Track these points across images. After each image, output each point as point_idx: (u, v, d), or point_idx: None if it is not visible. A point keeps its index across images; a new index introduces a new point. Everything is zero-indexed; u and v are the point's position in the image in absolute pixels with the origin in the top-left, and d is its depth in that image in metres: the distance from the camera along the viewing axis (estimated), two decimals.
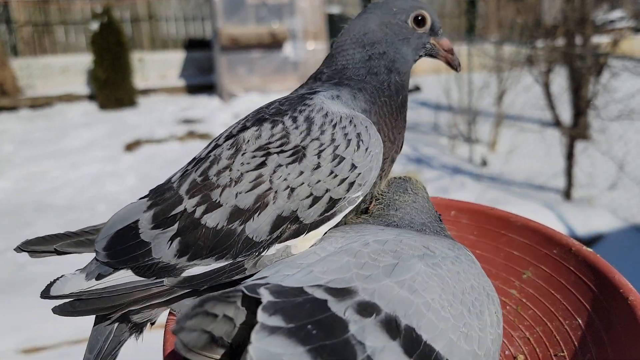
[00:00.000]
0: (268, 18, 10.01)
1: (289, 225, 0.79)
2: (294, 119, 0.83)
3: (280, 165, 0.79)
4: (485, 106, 7.01)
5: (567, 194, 5.09)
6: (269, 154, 0.81)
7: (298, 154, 0.80)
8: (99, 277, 0.84)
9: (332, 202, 0.80)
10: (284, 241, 0.79)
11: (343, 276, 0.67)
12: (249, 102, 9.25)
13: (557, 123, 5.47)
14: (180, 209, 0.82)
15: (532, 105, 6.15)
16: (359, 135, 0.82)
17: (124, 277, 0.83)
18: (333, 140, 0.81)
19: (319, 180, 0.79)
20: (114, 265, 0.84)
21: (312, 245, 0.81)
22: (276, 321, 0.59)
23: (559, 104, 5.61)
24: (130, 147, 7.17)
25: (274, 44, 9.96)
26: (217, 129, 7.86)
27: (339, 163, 0.80)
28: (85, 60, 11.12)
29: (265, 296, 0.62)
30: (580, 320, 0.89)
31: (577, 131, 5.23)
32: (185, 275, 0.81)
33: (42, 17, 12.35)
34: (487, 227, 1.10)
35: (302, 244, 0.80)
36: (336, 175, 0.80)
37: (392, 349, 0.61)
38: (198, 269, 0.80)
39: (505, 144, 6.50)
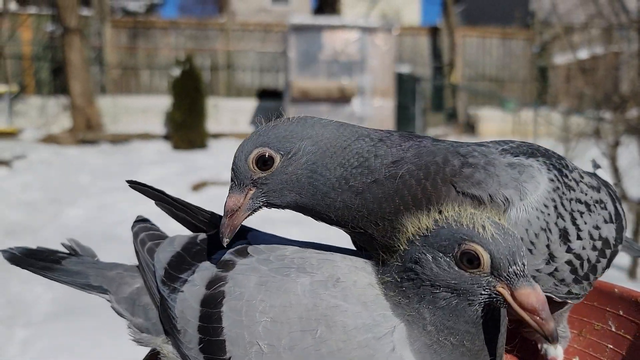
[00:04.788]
0: (339, 74, 10.37)
1: None
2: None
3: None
4: None
5: (631, 273, 4.87)
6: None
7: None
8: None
9: None
10: None
11: (256, 246, 0.84)
12: None
13: (623, 197, 5.29)
14: None
15: None
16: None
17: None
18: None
19: None
20: None
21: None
22: (200, 238, 0.89)
23: (626, 177, 5.44)
24: (197, 187, 7.49)
25: (342, 98, 10.27)
26: None
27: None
28: (164, 102, 11.85)
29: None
30: None
31: None
32: None
33: (131, 61, 13.35)
34: None
35: None
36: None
37: (197, 291, 0.79)
38: None
39: None
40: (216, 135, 11.64)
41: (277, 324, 0.71)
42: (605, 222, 0.83)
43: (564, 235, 0.78)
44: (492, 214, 0.69)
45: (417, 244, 0.70)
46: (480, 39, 14.43)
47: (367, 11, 16.42)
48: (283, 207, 0.79)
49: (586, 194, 0.82)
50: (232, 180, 0.78)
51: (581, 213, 0.80)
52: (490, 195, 0.75)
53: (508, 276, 0.65)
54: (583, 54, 7.40)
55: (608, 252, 0.83)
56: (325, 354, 0.68)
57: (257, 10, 19.45)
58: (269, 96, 13.38)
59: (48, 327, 3.45)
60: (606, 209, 0.85)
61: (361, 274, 0.75)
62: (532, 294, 0.64)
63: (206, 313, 0.76)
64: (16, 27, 12.59)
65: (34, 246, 0.96)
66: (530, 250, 0.76)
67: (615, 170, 5.45)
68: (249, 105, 13.19)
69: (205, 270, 0.81)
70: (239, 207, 0.77)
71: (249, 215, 0.78)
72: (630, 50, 6.86)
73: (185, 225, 0.96)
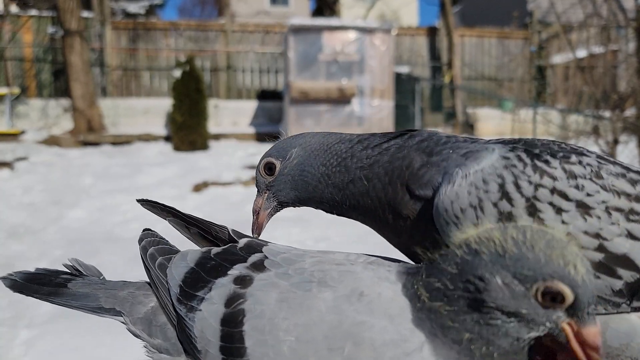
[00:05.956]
0: (338, 74, 10.41)
1: None
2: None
3: None
4: None
5: None
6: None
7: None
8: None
9: None
10: None
11: (273, 259, 0.82)
12: None
13: None
14: None
15: None
16: None
17: None
18: None
19: None
20: None
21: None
22: (213, 252, 0.86)
23: None
24: (198, 187, 7.53)
25: (342, 99, 10.30)
26: None
27: None
28: (165, 104, 11.89)
29: (240, 244, 0.88)
30: None
31: None
32: None
33: (131, 63, 13.40)
34: None
35: None
36: None
37: (216, 310, 0.78)
38: None
39: None
40: (217, 136, 11.67)
41: (302, 343, 0.70)
42: (635, 238, 0.71)
43: (509, 219, 0.70)
44: (579, 248, 0.65)
45: (486, 259, 0.65)
46: (479, 39, 14.46)
47: (366, 12, 16.45)
48: (291, 204, 0.93)
49: (590, 195, 0.71)
50: (256, 187, 0.95)
51: (560, 209, 0.70)
52: (435, 191, 0.74)
53: (581, 316, 0.63)
54: (581, 53, 7.43)
55: (626, 273, 0.71)
56: None
57: (257, 12, 19.50)
58: (269, 97, 13.41)
59: (51, 328, 3.48)
60: None
61: (384, 285, 0.73)
62: (598, 334, 0.63)
63: (227, 332, 0.75)
64: (17, 29, 12.63)
65: (32, 269, 0.93)
66: (456, 225, 0.71)
67: None
68: (250, 106, 13.22)
69: (223, 287, 0.79)
70: (260, 207, 0.93)
71: (270, 214, 0.94)
72: (628, 49, 6.89)
73: (197, 241, 0.97)
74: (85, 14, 12.73)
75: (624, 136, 5.67)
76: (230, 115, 12.88)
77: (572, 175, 0.71)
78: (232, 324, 0.75)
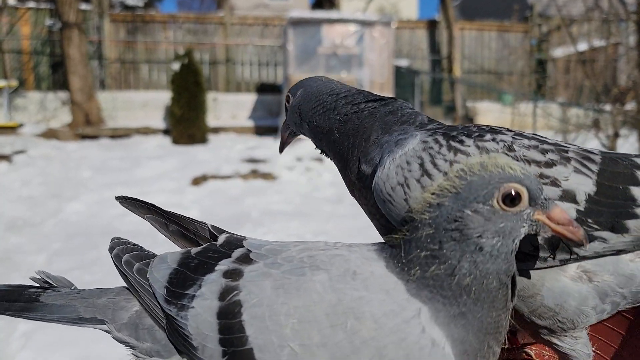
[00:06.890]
0: (337, 68, 10.38)
1: None
2: None
3: None
4: None
5: None
6: None
7: None
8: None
9: None
10: None
11: (258, 252, 0.83)
12: (311, 146, 9.52)
13: None
14: None
15: None
16: None
17: None
18: None
19: None
20: None
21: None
22: (194, 252, 0.85)
23: None
24: (197, 181, 7.51)
25: None
26: (279, 169, 8.12)
27: None
28: (164, 97, 11.85)
29: (220, 240, 0.87)
30: None
31: None
32: None
33: (130, 56, 13.35)
34: None
35: None
36: None
37: (210, 304, 0.77)
38: None
39: None
40: (216, 130, 11.65)
41: (304, 323, 0.72)
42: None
43: None
44: (503, 157, 0.75)
45: (448, 204, 0.72)
46: (479, 32, 14.42)
47: (365, 5, 16.38)
48: (297, 131, 1.09)
49: None
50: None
51: None
52: (373, 169, 0.88)
53: (542, 203, 0.71)
54: (582, 46, 7.40)
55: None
56: (359, 345, 0.69)
57: (256, 5, 19.42)
58: (268, 90, 13.38)
59: None
60: (558, 186, 0.80)
61: (374, 264, 0.76)
62: (562, 211, 0.72)
63: (226, 324, 0.75)
64: (15, 21, 12.57)
65: None
66: (390, 202, 0.83)
67: None
68: (248, 99, 13.19)
69: (213, 282, 0.79)
70: (283, 128, 1.12)
71: (290, 135, 1.12)
72: (629, 42, 6.86)
73: (176, 239, 0.95)
74: (84, 6, 12.66)
75: (625, 130, 5.66)
76: (229, 108, 12.84)
77: (485, 150, 0.81)
78: (229, 316, 0.75)
